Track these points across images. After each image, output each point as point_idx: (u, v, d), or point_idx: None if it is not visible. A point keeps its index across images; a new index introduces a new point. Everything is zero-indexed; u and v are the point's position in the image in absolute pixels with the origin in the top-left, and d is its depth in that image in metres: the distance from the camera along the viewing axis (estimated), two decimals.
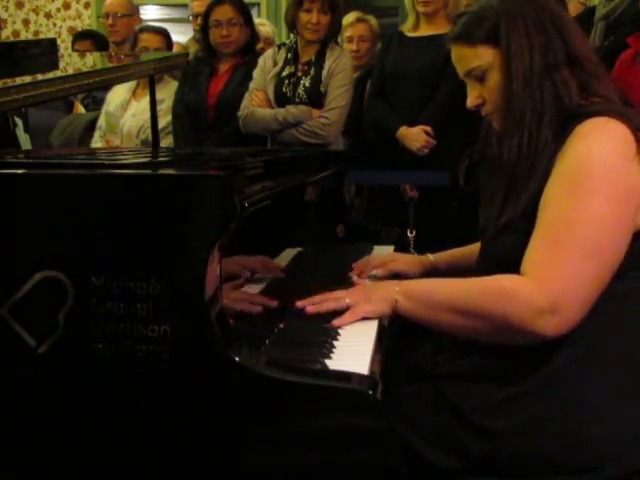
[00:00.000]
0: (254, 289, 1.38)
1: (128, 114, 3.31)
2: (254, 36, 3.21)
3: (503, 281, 1.21)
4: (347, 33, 3.51)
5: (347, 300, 1.32)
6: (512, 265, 1.26)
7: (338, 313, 1.31)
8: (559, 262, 1.16)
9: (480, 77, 1.33)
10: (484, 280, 1.24)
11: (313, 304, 1.33)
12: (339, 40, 3.18)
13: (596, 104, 1.25)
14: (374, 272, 1.65)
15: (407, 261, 1.70)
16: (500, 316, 1.17)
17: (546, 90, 1.26)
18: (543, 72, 1.27)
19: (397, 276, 1.63)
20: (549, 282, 1.15)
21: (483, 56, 1.31)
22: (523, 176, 1.26)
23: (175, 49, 3.87)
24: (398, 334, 1.41)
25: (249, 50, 3.18)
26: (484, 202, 1.42)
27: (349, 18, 3.50)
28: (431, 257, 1.70)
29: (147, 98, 3.14)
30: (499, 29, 1.29)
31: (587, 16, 2.88)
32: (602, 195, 1.17)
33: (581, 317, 1.16)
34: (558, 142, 1.23)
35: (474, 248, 1.52)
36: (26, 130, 3.18)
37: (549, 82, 1.26)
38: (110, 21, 3.94)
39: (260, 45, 3.52)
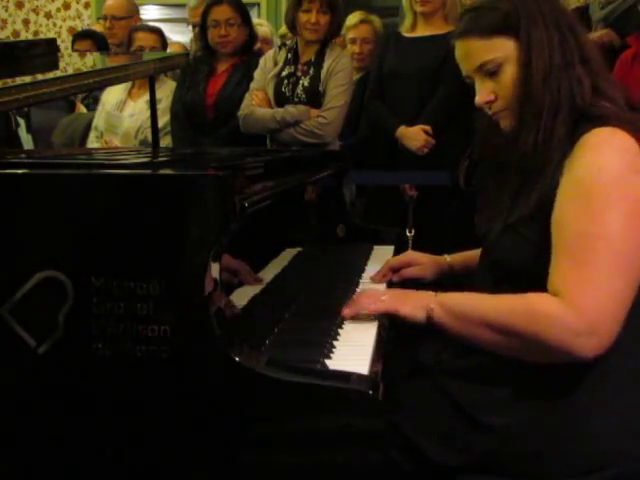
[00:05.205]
0: (253, 289, 1.38)
1: (125, 114, 3.30)
2: (252, 36, 3.21)
3: (536, 303, 1.17)
4: (350, 35, 3.48)
5: (383, 297, 1.32)
6: (509, 270, 1.26)
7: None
8: (590, 282, 1.13)
9: (493, 72, 1.28)
10: (517, 299, 1.19)
11: (348, 306, 1.35)
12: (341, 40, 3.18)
13: (605, 109, 1.23)
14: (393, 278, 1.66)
15: (423, 265, 1.68)
16: (534, 338, 1.15)
17: (563, 86, 1.24)
18: (561, 67, 1.24)
19: (413, 281, 1.64)
20: (584, 304, 1.12)
21: (500, 48, 1.26)
22: (535, 173, 1.24)
23: (173, 49, 3.87)
24: (399, 332, 1.41)
25: (247, 50, 3.18)
26: (484, 204, 1.41)
27: (352, 19, 3.47)
28: (448, 258, 1.68)
29: (144, 98, 3.16)
30: (517, 20, 1.25)
31: (580, 14, 2.89)
32: (618, 210, 1.14)
33: (616, 334, 1.14)
34: (568, 143, 1.22)
35: None
36: (28, 130, 3.18)
37: (565, 78, 1.24)
38: (108, 24, 3.93)
39: (258, 45, 3.52)
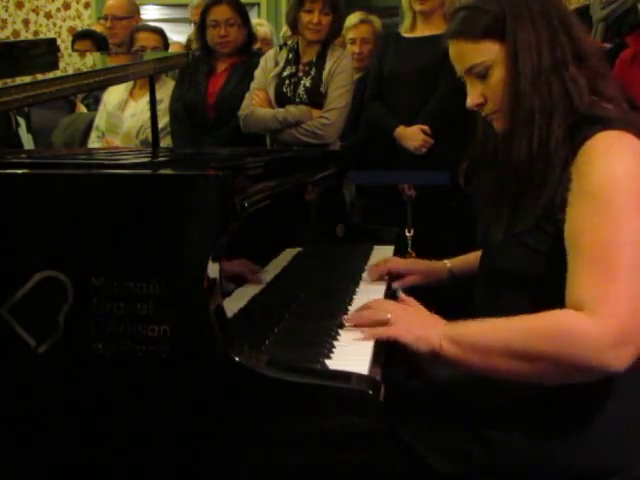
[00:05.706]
0: (253, 289, 1.38)
1: (127, 114, 3.30)
2: (251, 36, 3.22)
3: (562, 320, 1.10)
4: (350, 35, 3.48)
5: (388, 316, 1.22)
6: (513, 279, 1.25)
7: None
8: (617, 291, 1.07)
9: (482, 74, 1.26)
10: (539, 321, 1.11)
11: (353, 315, 1.28)
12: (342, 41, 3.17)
13: (606, 110, 1.20)
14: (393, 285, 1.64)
15: (422, 274, 1.66)
16: (567, 358, 1.07)
17: (555, 87, 1.20)
18: (551, 68, 1.21)
19: (414, 289, 1.62)
20: (613, 314, 1.06)
21: (487, 51, 1.24)
22: (536, 180, 1.20)
23: (173, 49, 3.87)
24: None
25: (247, 50, 3.19)
26: (484, 207, 1.38)
27: (352, 19, 3.46)
28: (448, 263, 1.66)
29: (145, 98, 3.16)
30: (504, 23, 1.23)
31: (580, 14, 2.90)
32: (638, 213, 1.11)
33: None
34: (569, 147, 1.18)
35: None
36: (29, 130, 3.18)
37: (558, 79, 1.21)
38: (109, 24, 3.94)
39: (257, 45, 3.52)
